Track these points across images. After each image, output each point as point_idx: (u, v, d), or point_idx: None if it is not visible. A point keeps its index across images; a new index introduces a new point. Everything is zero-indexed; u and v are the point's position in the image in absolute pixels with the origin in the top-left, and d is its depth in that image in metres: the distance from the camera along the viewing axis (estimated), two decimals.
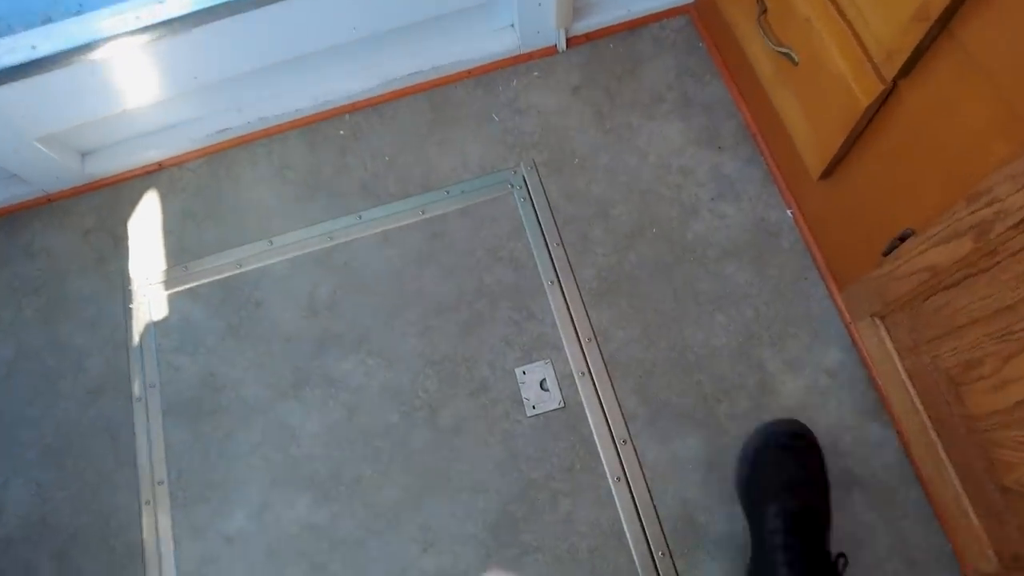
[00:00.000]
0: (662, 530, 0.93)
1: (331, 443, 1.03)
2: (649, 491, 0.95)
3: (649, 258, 1.06)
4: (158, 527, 1.01)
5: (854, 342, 0.98)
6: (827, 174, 0.92)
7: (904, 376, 0.88)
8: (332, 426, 1.04)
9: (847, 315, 0.99)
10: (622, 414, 0.99)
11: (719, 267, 1.04)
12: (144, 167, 1.26)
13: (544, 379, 1.02)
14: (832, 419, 0.95)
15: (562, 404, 1.00)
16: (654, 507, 0.94)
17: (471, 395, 1.02)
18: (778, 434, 0.91)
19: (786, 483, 0.87)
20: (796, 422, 0.92)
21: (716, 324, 1.01)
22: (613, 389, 1.00)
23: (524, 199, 1.13)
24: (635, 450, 0.97)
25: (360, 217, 1.16)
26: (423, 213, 1.15)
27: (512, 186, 1.15)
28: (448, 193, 1.15)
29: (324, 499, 0.99)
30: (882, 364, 0.92)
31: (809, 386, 0.97)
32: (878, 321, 0.90)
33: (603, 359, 1.02)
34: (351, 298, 1.10)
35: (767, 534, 0.85)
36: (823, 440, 0.94)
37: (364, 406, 1.04)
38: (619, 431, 0.98)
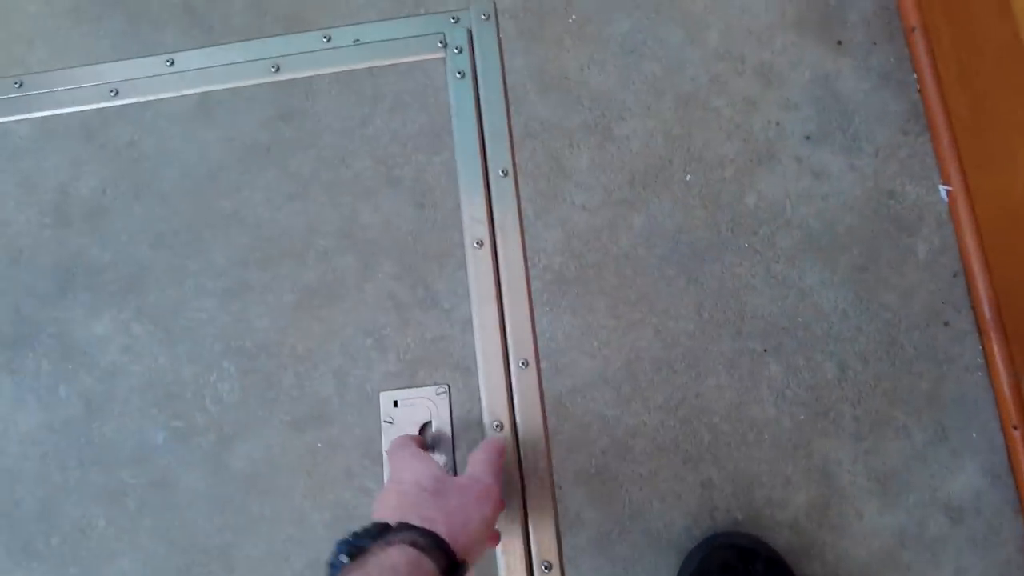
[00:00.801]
0: None
1: (52, 457, 0.59)
2: None
3: (668, 229, 0.57)
4: None
5: (1015, 469, 0.51)
6: None
7: None
8: (59, 428, 0.59)
9: (1016, 415, 0.51)
10: (555, 518, 0.54)
11: (793, 270, 0.55)
12: None
13: (429, 423, 0.56)
14: None
15: (451, 474, 0.55)
16: None
17: (292, 426, 0.57)
18: (720, 550, 0.50)
19: None
20: (747, 535, 0.51)
21: (763, 379, 0.54)
22: (550, 468, 0.55)
23: (462, 74, 0.61)
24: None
25: (171, 63, 0.65)
26: (276, 71, 0.63)
27: (445, 46, 0.62)
28: (328, 40, 0.63)
29: (22, 554, 0.57)
30: None
31: (908, 528, 0.51)
32: None
33: (543, 407, 0.56)
34: (129, 207, 0.62)
35: None
36: None
37: (114, 404, 0.59)
38: (544, 548, 0.54)
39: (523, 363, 0.56)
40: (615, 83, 0.60)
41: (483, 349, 0.56)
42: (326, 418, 0.56)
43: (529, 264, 0.57)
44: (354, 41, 0.63)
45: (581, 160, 0.58)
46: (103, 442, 0.59)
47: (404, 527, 0.34)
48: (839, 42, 0.58)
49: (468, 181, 0.59)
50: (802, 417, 0.53)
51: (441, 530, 0.35)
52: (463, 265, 0.57)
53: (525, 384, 0.56)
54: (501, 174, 0.59)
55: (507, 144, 0.60)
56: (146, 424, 0.58)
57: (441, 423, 0.55)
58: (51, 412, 0.60)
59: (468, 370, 0.56)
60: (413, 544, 0.33)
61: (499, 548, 0.54)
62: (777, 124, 0.57)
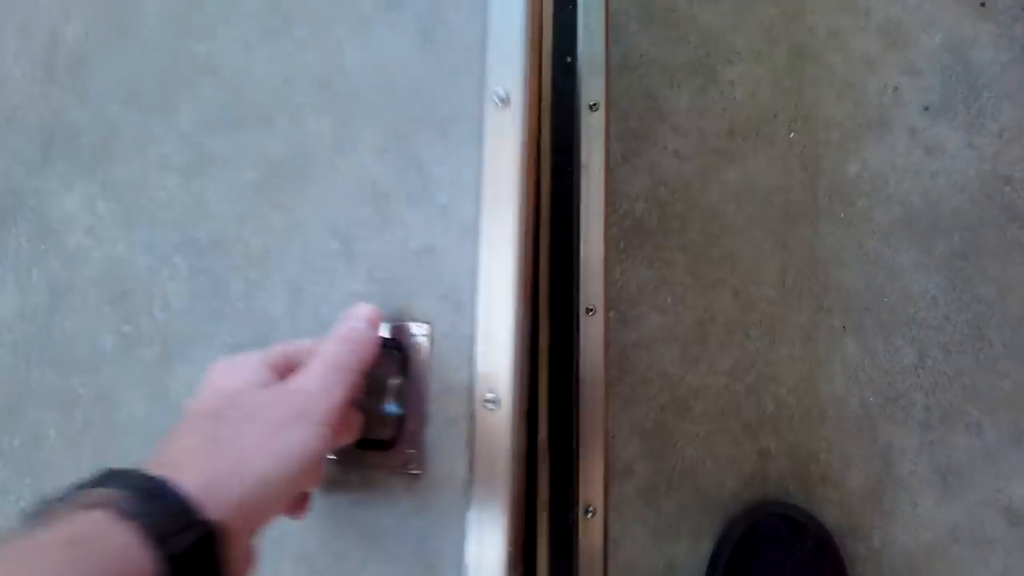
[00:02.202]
0: None
1: (21, 348, 0.51)
2: None
3: (762, 188, 0.53)
4: None
5: None
6: None
7: None
8: (28, 316, 0.52)
9: None
10: (605, 466, 0.51)
11: (886, 248, 0.52)
12: None
13: (391, 383, 0.34)
14: None
15: (415, 468, 0.40)
16: None
17: (235, 349, 0.44)
18: (770, 518, 0.49)
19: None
20: (799, 509, 0.50)
21: (838, 357, 0.52)
22: (606, 417, 0.51)
23: None
24: (604, 533, 0.50)
25: None
26: None
27: None
28: None
29: None
30: None
31: (962, 524, 0.51)
32: None
33: (606, 357, 0.52)
34: (107, 55, 0.53)
35: None
36: None
37: (75, 296, 0.51)
38: (590, 493, 0.51)
39: (590, 310, 0.52)
40: (726, 23, 0.54)
41: (489, 273, 0.36)
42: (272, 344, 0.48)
43: (609, 208, 0.52)
44: None
45: (680, 101, 0.53)
46: (63, 339, 0.51)
47: (115, 476, 0.21)
48: (982, 3, 0.54)
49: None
50: (871, 399, 0.51)
51: (188, 478, 0.20)
52: (474, 138, 0.43)
53: (591, 332, 0.52)
54: (591, 107, 0.54)
55: (602, 75, 0.54)
56: (100, 324, 0.50)
57: (413, 381, 0.35)
58: (24, 297, 0.52)
59: (460, 305, 0.45)
60: (110, 506, 0.19)
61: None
62: (895, 89, 0.53)
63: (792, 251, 0.52)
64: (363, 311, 0.30)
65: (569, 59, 0.56)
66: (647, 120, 0.53)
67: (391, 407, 0.33)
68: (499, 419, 0.35)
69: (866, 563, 0.50)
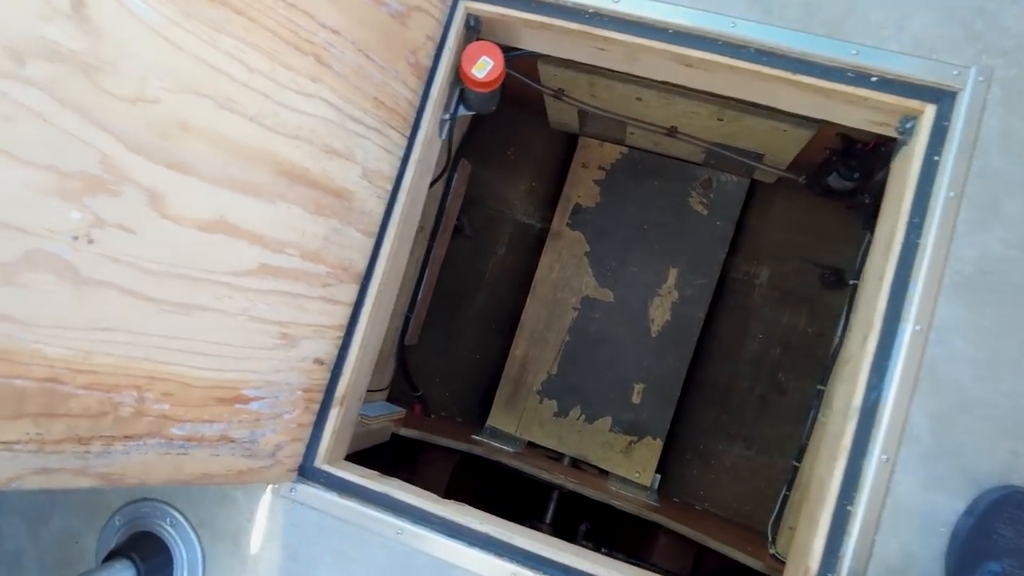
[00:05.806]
0: (865, 569, 0.77)
1: None
2: (878, 522, 0.77)
3: None
4: None
5: None
6: None
7: None
8: None
9: None
10: (902, 428, 0.78)
11: None
12: None
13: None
14: None
15: None
16: (873, 540, 0.77)
17: None
18: (1014, 496, 0.72)
19: (1017, 549, 0.70)
20: None
21: None
22: (911, 397, 0.78)
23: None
24: (891, 473, 0.78)
25: (734, 24, 0.88)
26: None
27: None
28: (857, 54, 0.85)
29: None
30: None
31: None
32: None
33: (921, 359, 0.79)
34: None
35: None
36: None
37: None
38: (888, 444, 0.78)
39: (919, 329, 0.79)
40: None
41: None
42: None
43: (949, 265, 0.79)
44: (874, 59, 0.84)
45: (1014, 207, 0.79)
46: None
47: None
48: None
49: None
50: None
51: None
52: None
53: (915, 343, 0.79)
54: (950, 195, 0.81)
55: (963, 176, 0.81)
56: None
57: None
58: None
59: None
60: None
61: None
62: None
63: None
64: None
65: (936, 158, 0.84)
66: (986, 211, 0.80)
67: None
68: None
69: None
